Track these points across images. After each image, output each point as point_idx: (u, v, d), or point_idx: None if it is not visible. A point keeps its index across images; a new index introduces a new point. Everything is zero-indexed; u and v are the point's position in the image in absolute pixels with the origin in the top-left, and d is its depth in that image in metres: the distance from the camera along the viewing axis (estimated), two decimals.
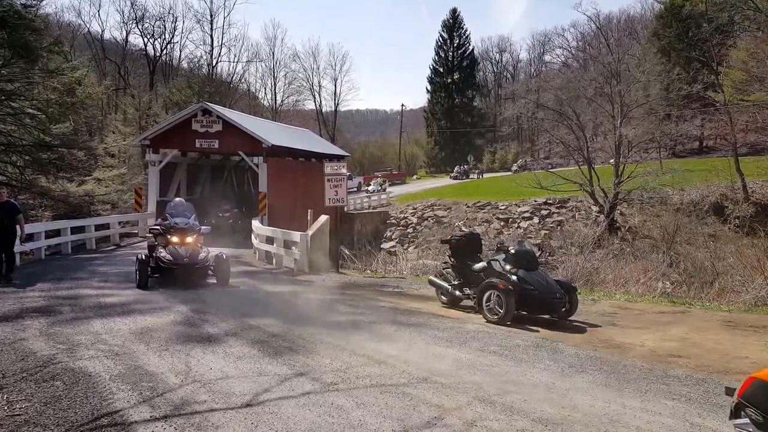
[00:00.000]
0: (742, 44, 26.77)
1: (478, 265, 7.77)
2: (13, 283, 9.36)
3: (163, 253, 9.08)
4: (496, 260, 7.56)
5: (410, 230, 27.80)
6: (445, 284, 8.23)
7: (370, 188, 43.17)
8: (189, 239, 9.27)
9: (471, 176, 47.59)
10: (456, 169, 49.56)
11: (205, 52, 55.35)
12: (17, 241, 9.96)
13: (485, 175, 48.29)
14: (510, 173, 42.75)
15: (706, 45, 32.10)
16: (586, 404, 4.10)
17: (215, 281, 9.37)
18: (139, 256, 9.19)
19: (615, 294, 9.88)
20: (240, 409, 3.89)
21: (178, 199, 11.01)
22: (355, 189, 42.46)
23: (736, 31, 28.14)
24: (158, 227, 9.61)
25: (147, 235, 13.54)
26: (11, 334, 5.93)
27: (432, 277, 8.79)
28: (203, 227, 9.93)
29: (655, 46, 41.37)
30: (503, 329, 6.66)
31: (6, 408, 3.84)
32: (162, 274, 9.12)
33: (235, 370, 4.82)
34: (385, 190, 40.47)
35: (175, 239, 9.22)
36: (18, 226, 9.80)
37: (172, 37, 52.82)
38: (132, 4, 60.89)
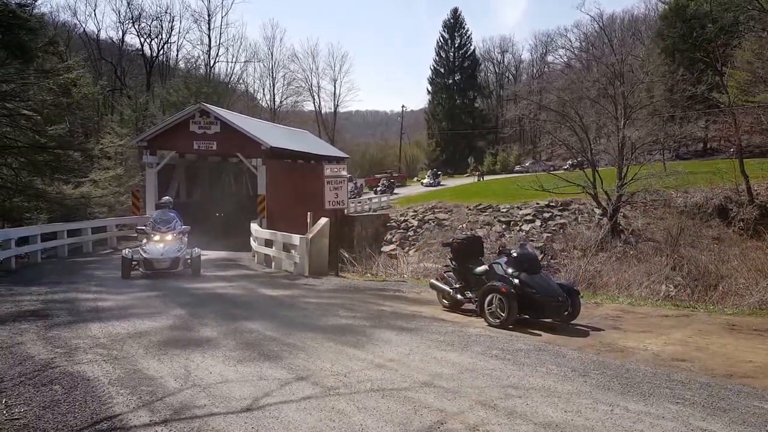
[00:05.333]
0: (747, 45, 26.71)
1: (480, 269, 7.72)
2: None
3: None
4: (498, 263, 7.50)
5: (411, 233, 27.72)
6: (447, 287, 8.18)
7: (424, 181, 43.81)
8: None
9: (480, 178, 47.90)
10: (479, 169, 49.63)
11: (203, 52, 55.37)
12: None
13: (486, 177, 48.19)
14: (516, 174, 42.95)
15: (710, 45, 32.00)
16: (589, 408, 4.06)
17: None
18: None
19: (618, 297, 9.82)
20: (240, 413, 3.86)
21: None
22: (356, 193, 41.76)
23: (741, 32, 28.06)
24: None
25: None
26: (9, 338, 5.94)
27: (433, 281, 8.74)
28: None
29: (659, 46, 41.37)
30: (505, 333, 6.62)
31: (5, 412, 3.83)
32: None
33: (235, 374, 4.79)
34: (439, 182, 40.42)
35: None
36: None
37: (169, 36, 52.88)
38: (128, 3, 60.66)
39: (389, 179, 45.47)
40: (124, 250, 11.17)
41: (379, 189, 41.53)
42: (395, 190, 41.61)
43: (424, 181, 46.20)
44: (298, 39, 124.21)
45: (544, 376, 4.87)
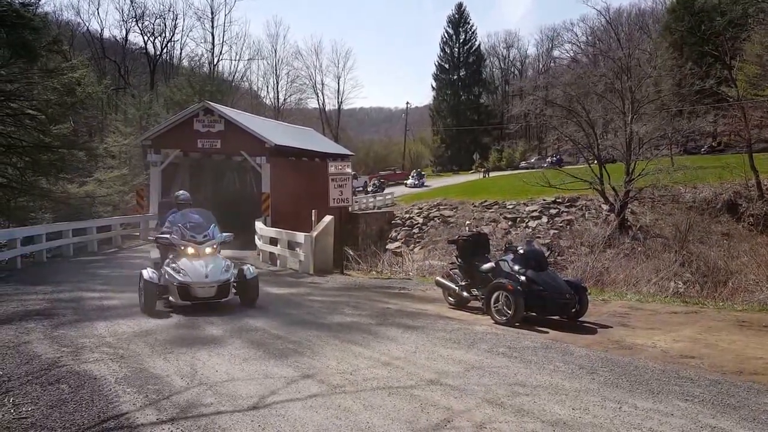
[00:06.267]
0: (757, 38, 26.41)
1: (486, 266, 7.68)
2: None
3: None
4: (505, 260, 7.46)
5: (416, 230, 27.68)
6: (452, 285, 8.14)
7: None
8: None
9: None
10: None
11: (206, 50, 55.41)
12: None
13: (491, 174, 47.91)
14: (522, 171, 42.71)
15: (719, 39, 31.68)
16: (597, 405, 4.03)
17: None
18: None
19: (626, 294, 9.74)
20: (247, 411, 3.86)
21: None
22: (361, 188, 42.38)
23: (750, 25, 27.71)
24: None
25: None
26: (15, 337, 5.97)
27: (439, 278, 8.71)
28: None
29: (666, 40, 40.97)
30: (512, 331, 6.58)
31: (13, 411, 3.84)
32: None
33: (241, 372, 4.79)
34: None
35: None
36: None
37: (173, 35, 52.98)
38: (131, 1, 61.15)
39: (380, 179, 45.83)
40: (144, 272, 7.35)
41: (370, 189, 41.53)
42: (386, 190, 41.69)
43: (408, 182, 45.54)
44: (302, 36, 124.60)
45: (551, 374, 4.83)
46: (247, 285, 7.81)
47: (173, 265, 7.45)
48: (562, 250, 19.41)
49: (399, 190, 40.86)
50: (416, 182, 44.49)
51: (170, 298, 7.44)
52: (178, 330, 6.47)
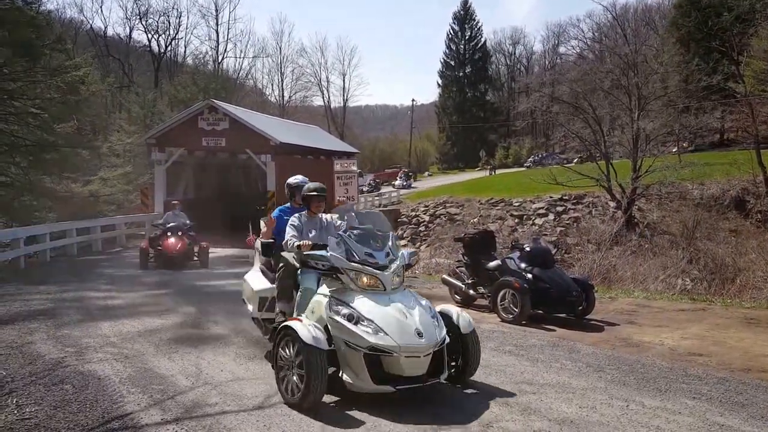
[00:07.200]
0: (764, 33, 26.08)
1: (493, 264, 7.64)
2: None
3: None
4: (511, 258, 7.43)
5: (422, 228, 27.62)
6: (459, 283, 8.11)
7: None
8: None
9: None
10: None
11: (211, 47, 55.29)
12: None
13: (497, 171, 47.72)
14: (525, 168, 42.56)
15: (726, 34, 31.31)
16: (605, 404, 4.00)
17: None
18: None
19: (633, 291, 9.68)
20: (252, 411, 3.84)
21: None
22: (366, 188, 42.29)
23: (757, 20, 27.39)
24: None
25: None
26: (18, 337, 5.98)
27: (445, 276, 8.68)
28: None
29: (673, 36, 40.58)
30: (519, 329, 6.54)
31: (16, 412, 3.84)
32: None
33: (246, 371, 4.78)
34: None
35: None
36: None
37: (177, 32, 52.92)
38: None
39: (375, 179, 45.91)
40: (299, 326, 3.89)
41: (365, 189, 41.50)
42: (381, 189, 41.79)
43: (396, 182, 45.54)
44: (306, 33, 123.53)
45: (558, 372, 4.80)
46: (465, 346, 4.30)
47: (345, 309, 3.99)
48: (569, 248, 19.25)
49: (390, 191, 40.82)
50: (404, 183, 44.39)
51: (343, 375, 3.97)
52: (183, 329, 6.47)
